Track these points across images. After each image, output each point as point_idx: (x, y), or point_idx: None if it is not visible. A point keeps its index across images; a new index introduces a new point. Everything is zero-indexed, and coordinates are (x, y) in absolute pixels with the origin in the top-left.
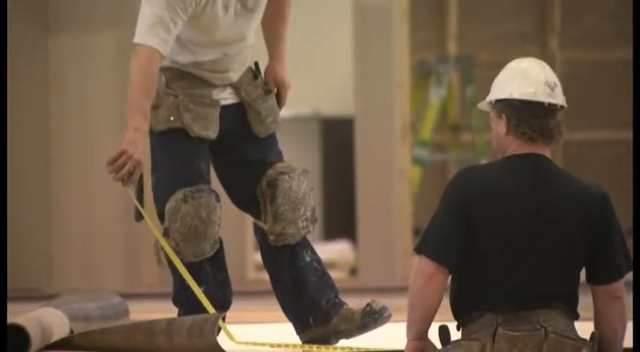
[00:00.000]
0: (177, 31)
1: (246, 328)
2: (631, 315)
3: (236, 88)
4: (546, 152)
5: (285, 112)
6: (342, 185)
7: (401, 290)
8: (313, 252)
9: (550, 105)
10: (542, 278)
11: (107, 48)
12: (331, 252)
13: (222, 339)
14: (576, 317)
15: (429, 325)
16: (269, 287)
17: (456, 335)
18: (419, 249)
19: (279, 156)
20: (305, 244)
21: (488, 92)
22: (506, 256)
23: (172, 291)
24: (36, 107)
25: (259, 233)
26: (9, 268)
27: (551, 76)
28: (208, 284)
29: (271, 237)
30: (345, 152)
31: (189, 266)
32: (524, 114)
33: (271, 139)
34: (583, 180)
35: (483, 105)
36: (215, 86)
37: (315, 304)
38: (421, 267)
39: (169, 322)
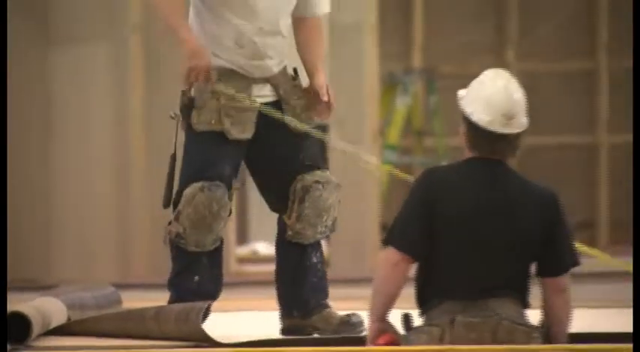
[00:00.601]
0: None
1: (228, 316)
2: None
3: (275, 85)
4: (507, 159)
5: None
6: None
7: (369, 281)
8: (321, 255)
9: (500, 134)
10: (497, 270)
11: (102, 59)
12: None
13: (207, 327)
14: (528, 306)
15: (390, 309)
16: (249, 278)
17: (417, 322)
18: (386, 241)
19: (320, 162)
20: (316, 247)
21: (450, 101)
22: (464, 249)
23: (169, 275)
24: (37, 107)
25: (280, 224)
26: (9, 260)
27: (512, 104)
28: (202, 277)
29: (289, 233)
30: None
31: (189, 255)
32: (478, 135)
33: (311, 141)
34: (536, 183)
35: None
36: (255, 81)
37: (304, 300)
38: (387, 257)
39: (158, 310)
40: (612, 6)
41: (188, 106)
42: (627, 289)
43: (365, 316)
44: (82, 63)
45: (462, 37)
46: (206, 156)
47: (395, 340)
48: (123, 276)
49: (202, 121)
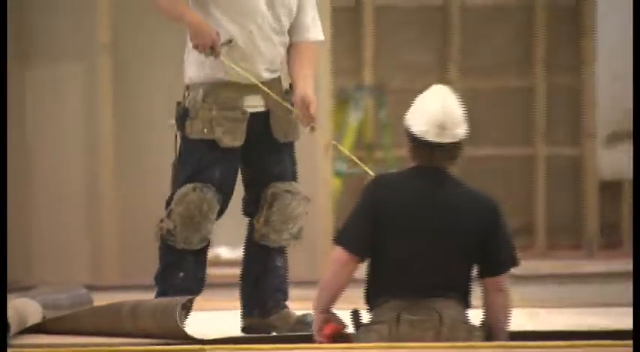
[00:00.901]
0: None
1: (191, 315)
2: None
3: (264, 94)
4: (447, 167)
5: None
6: None
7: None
8: (285, 260)
9: (436, 144)
10: (440, 272)
11: (76, 78)
12: None
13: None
14: (469, 305)
15: (335, 302)
16: (211, 281)
17: (365, 319)
18: (336, 241)
19: (292, 175)
20: (281, 251)
21: (399, 115)
22: (408, 251)
23: (156, 272)
24: (14, 120)
25: (250, 227)
26: None
27: (446, 114)
28: (187, 274)
29: (256, 235)
30: None
31: (176, 252)
32: (417, 145)
33: (289, 153)
34: (478, 190)
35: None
36: (246, 91)
37: (264, 301)
38: (336, 256)
39: (134, 305)
40: (547, 26)
41: (183, 116)
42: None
43: None
44: (55, 80)
45: (409, 55)
46: (199, 162)
47: (339, 328)
48: (95, 279)
49: (195, 130)
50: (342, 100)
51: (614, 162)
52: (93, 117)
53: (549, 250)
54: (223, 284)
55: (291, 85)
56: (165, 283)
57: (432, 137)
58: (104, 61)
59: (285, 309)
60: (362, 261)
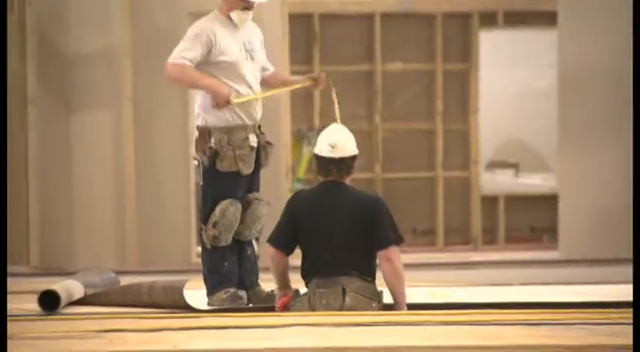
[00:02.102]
0: (197, 56)
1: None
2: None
3: (257, 135)
4: (343, 180)
5: None
6: None
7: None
8: (253, 250)
9: (329, 158)
10: (342, 256)
11: (107, 120)
12: None
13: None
14: (371, 281)
15: (284, 282)
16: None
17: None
18: (268, 241)
19: (258, 187)
20: (251, 243)
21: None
22: (317, 242)
23: (202, 271)
24: (61, 148)
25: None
26: (45, 253)
27: (335, 137)
28: (229, 261)
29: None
30: None
31: (221, 249)
32: (318, 163)
33: (259, 175)
34: (365, 193)
35: None
36: (249, 131)
37: (242, 280)
38: (269, 251)
39: (150, 285)
40: (444, 86)
41: (213, 156)
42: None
43: None
44: (92, 122)
45: (346, 106)
46: (228, 186)
47: (288, 300)
48: (120, 265)
49: (225, 166)
50: (298, 138)
51: (491, 182)
52: (119, 147)
53: (446, 246)
54: None
55: (260, 126)
56: (218, 271)
57: (325, 153)
58: (127, 108)
59: (258, 287)
60: (288, 253)
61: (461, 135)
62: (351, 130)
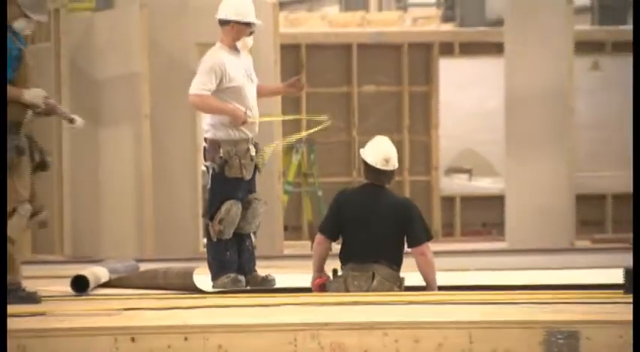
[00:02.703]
0: (213, 86)
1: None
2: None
3: (255, 146)
4: (387, 184)
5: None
6: None
7: (279, 257)
8: (251, 242)
9: (382, 170)
10: (375, 247)
11: (128, 134)
12: None
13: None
14: (396, 269)
15: (321, 266)
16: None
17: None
18: (318, 229)
19: (255, 188)
20: (249, 236)
21: (321, 158)
22: (357, 233)
23: (207, 259)
24: (90, 158)
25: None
26: (76, 244)
27: (389, 153)
28: (231, 251)
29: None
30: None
31: (225, 241)
32: (369, 170)
33: (256, 177)
34: (401, 197)
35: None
36: (250, 141)
37: (241, 267)
38: (316, 237)
39: (165, 270)
40: (410, 105)
41: (223, 164)
42: None
43: (276, 277)
44: (116, 135)
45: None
46: (233, 188)
47: (324, 281)
48: (140, 254)
49: (232, 173)
50: (288, 148)
51: (449, 185)
52: (139, 156)
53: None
54: None
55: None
56: (221, 259)
57: (380, 166)
58: (145, 124)
59: (255, 272)
60: (333, 240)
61: (424, 145)
62: (333, 142)
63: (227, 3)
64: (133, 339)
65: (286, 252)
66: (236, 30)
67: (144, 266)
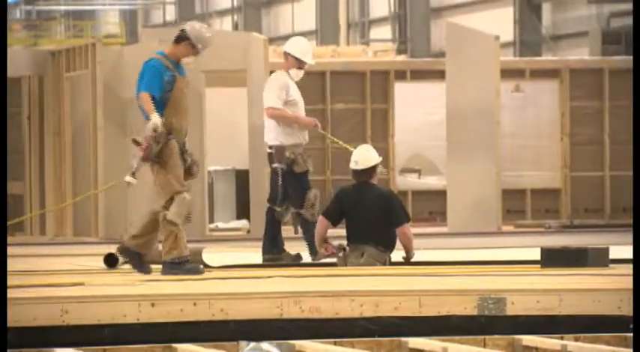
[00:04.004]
0: (283, 100)
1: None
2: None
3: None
4: (371, 180)
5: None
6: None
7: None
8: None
9: (355, 169)
10: (365, 231)
11: None
12: (241, 223)
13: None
14: (382, 250)
15: (321, 240)
16: (220, 238)
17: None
18: (322, 213)
19: None
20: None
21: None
22: (353, 220)
23: (306, 238)
24: (120, 161)
25: (271, 211)
26: (108, 228)
27: (357, 156)
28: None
29: (276, 215)
30: (246, 184)
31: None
32: (352, 172)
33: None
34: (383, 189)
35: None
36: (303, 145)
37: (278, 246)
38: (319, 218)
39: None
40: (372, 120)
41: (292, 162)
42: None
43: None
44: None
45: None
46: (305, 180)
47: (331, 248)
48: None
49: (299, 168)
50: None
51: (404, 182)
52: None
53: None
54: (223, 240)
55: None
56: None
57: (351, 166)
58: None
59: (285, 252)
60: (332, 223)
61: (383, 151)
62: (309, 148)
63: (294, 41)
64: (152, 305)
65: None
66: (292, 62)
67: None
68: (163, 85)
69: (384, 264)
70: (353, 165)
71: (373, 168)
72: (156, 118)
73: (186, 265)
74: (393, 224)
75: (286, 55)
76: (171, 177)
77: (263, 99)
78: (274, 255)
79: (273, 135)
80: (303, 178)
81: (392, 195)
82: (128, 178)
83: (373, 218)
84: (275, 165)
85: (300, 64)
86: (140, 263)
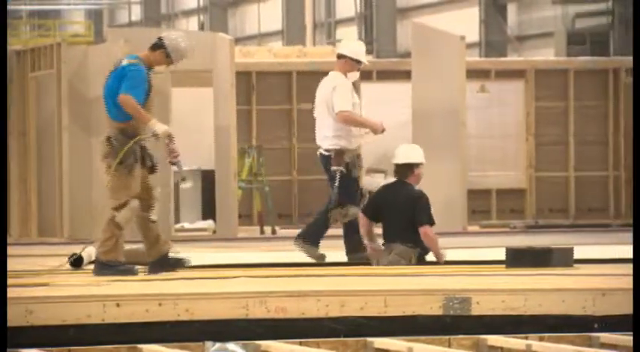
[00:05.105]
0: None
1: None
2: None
3: None
4: (405, 179)
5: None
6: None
7: (235, 240)
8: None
9: (395, 163)
10: (395, 229)
11: None
12: (207, 223)
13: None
14: (410, 246)
15: (368, 235)
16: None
17: None
18: (361, 210)
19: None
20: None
21: (269, 160)
22: (385, 218)
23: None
24: (85, 160)
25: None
26: (73, 229)
27: (394, 152)
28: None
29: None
30: (212, 184)
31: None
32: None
33: None
34: (413, 188)
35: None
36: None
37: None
38: (360, 216)
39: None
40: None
41: (349, 167)
42: None
43: (233, 255)
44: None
45: (274, 131)
46: (357, 185)
47: (372, 249)
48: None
49: (354, 174)
50: (242, 153)
51: (370, 181)
52: None
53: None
54: (189, 240)
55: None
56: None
57: (393, 161)
58: None
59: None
60: (371, 220)
61: None
62: (274, 149)
63: (348, 42)
64: (117, 305)
65: (240, 235)
66: (349, 64)
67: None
68: (146, 92)
69: (410, 262)
70: (392, 159)
71: (410, 168)
72: (160, 126)
73: (120, 267)
74: (416, 224)
75: (341, 57)
76: (131, 181)
77: (334, 103)
78: (359, 253)
79: (332, 139)
80: (355, 184)
81: (419, 196)
82: (184, 185)
83: (402, 217)
84: (334, 168)
85: (356, 65)
86: (160, 264)
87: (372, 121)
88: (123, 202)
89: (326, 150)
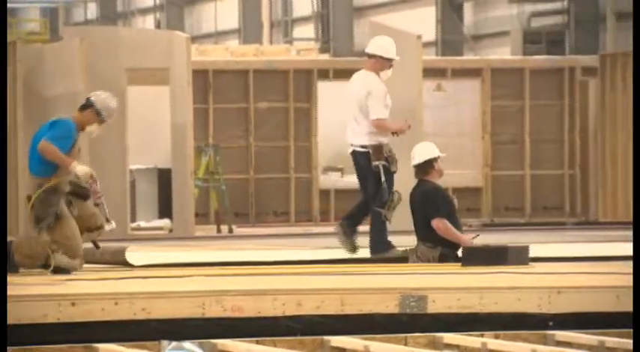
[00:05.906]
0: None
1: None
2: None
3: None
4: (425, 177)
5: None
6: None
7: (192, 238)
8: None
9: (413, 165)
10: (417, 228)
11: None
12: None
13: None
14: (430, 246)
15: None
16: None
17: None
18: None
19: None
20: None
21: (226, 159)
22: (413, 217)
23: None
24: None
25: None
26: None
27: (413, 153)
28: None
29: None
30: (168, 183)
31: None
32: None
33: None
34: (430, 185)
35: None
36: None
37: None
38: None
39: (103, 249)
40: (295, 117)
41: (389, 161)
42: None
43: (189, 254)
44: None
45: (230, 130)
46: (393, 180)
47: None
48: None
49: (394, 168)
50: (199, 151)
51: (326, 180)
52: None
53: (296, 222)
54: (145, 239)
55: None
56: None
57: (413, 163)
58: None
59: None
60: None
61: (306, 150)
62: (231, 147)
63: (377, 41)
64: (73, 304)
65: (197, 234)
66: (380, 63)
67: (85, 246)
68: (70, 147)
69: (429, 262)
70: (412, 161)
71: (429, 164)
72: (81, 168)
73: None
74: (429, 217)
75: (372, 56)
76: (57, 235)
77: (369, 108)
78: (384, 252)
79: (368, 135)
80: (392, 178)
81: (432, 190)
82: (109, 226)
83: (419, 217)
84: (375, 163)
85: (387, 63)
86: None
87: (399, 124)
88: (55, 248)
89: (363, 147)
